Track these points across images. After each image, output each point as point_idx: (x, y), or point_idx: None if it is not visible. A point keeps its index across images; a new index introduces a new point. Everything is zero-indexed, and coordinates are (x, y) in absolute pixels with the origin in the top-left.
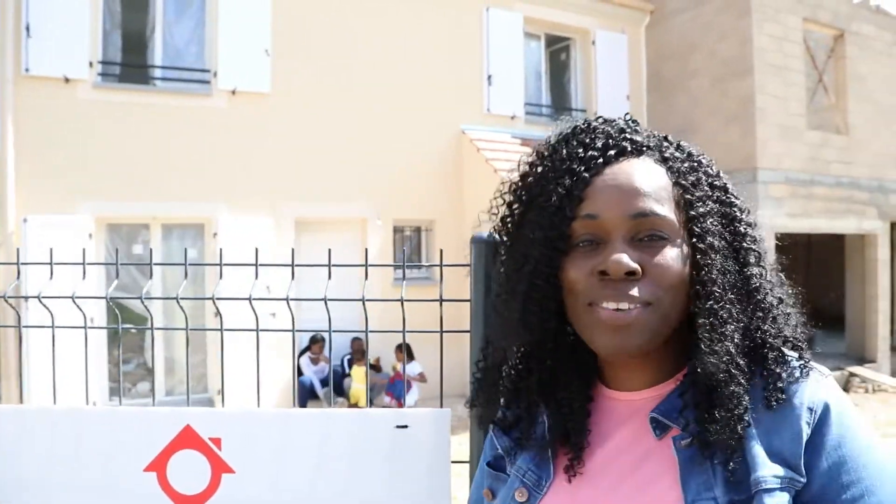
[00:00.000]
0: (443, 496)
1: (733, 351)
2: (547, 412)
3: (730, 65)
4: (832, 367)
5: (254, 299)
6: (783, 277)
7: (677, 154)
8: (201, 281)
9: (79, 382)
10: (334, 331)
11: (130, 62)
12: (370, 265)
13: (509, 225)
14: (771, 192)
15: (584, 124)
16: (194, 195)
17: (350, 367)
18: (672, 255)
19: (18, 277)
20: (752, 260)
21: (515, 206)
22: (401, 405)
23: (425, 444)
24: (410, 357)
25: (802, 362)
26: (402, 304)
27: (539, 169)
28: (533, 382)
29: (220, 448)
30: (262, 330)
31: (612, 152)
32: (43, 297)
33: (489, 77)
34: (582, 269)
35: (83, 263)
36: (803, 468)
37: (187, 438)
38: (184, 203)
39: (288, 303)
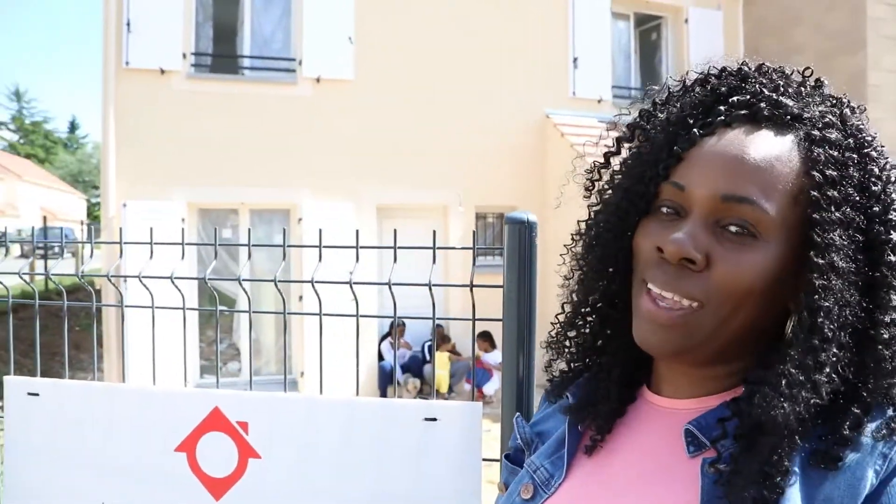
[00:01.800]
0: (472, 495)
1: (811, 404)
2: (585, 381)
3: (838, 38)
4: None
5: (355, 283)
6: None
7: (834, 136)
8: (287, 265)
9: (173, 361)
10: (400, 317)
11: (221, 53)
12: (399, 247)
13: (608, 166)
14: None
15: (737, 67)
16: (280, 181)
17: (431, 353)
18: (753, 259)
19: (121, 256)
20: (893, 303)
21: (627, 144)
22: (481, 393)
23: (455, 439)
24: (493, 346)
25: (891, 420)
26: (431, 289)
27: (665, 109)
28: (587, 339)
29: (247, 432)
30: (362, 316)
31: (740, 112)
32: (143, 277)
33: (575, 59)
34: (650, 238)
35: (182, 244)
36: None
37: (216, 421)
38: (270, 189)
39: (390, 288)
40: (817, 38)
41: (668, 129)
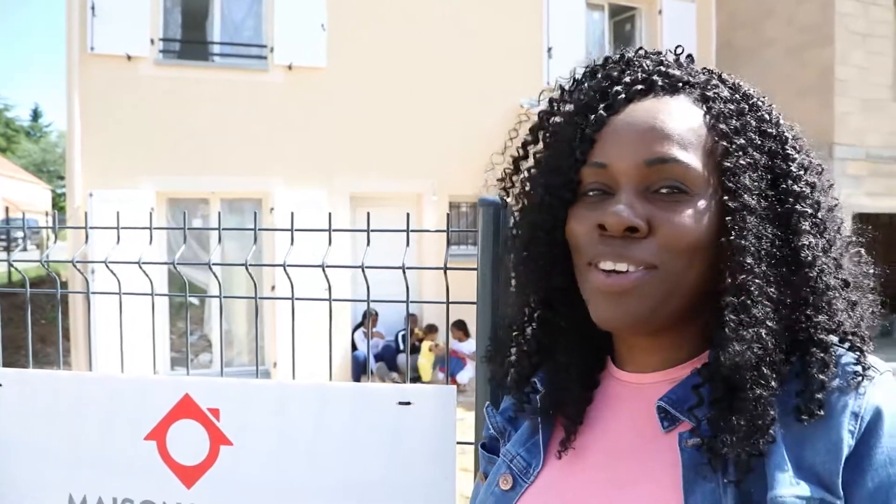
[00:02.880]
0: (447, 478)
1: (766, 340)
2: (544, 380)
3: (808, 32)
4: None
5: (327, 266)
6: (863, 254)
7: (725, 93)
8: (258, 254)
9: (142, 351)
10: (373, 300)
11: (190, 39)
12: (372, 230)
13: (524, 168)
14: (848, 170)
15: (618, 55)
16: (251, 170)
17: (405, 342)
18: (690, 213)
19: (87, 241)
20: (807, 228)
21: (532, 147)
22: (454, 382)
23: (429, 423)
24: (466, 334)
25: (858, 365)
26: (404, 272)
27: (562, 106)
28: (537, 344)
29: (218, 419)
30: (335, 300)
31: (638, 87)
32: (110, 262)
33: (549, 49)
34: (584, 221)
35: (150, 228)
36: (840, 488)
37: (186, 408)
38: (241, 178)
39: (363, 271)
40: (788, 31)
41: (574, 119)
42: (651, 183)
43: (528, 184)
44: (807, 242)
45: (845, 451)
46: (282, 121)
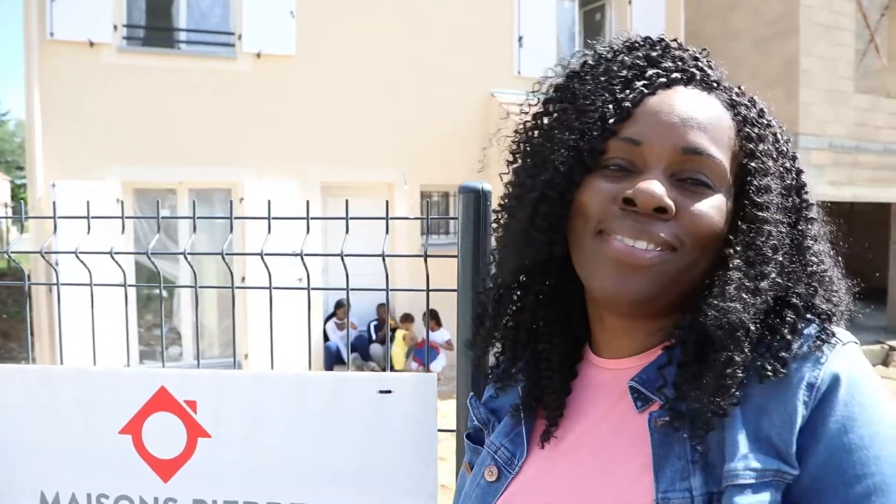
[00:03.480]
0: (428, 466)
1: (756, 312)
2: (524, 369)
3: (774, 24)
4: (872, 340)
5: (305, 255)
6: (837, 257)
7: (747, 103)
8: (229, 246)
9: (111, 345)
10: (352, 289)
11: (155, 25)
12: (351, 218)
13: (540, 124)
14: (812, 159)
15: (657, 38)
16: (220, 159)
17: (377, 332)
18: (713, 205)
19: (55, 232)
20: (812, 232)
21: (552, 105)
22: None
23: (410, 411)
24: (438, 324)
25: (821, 332)
26: (384, 259)
27: (591, 72)
28: (519, 329)
29: (195, 411)
30: (313, 288)
31: (677, 75)
32: (80, 253)
33: (520, 39)
34: (601, 193)
35: (122, 217)
36: (795, 457)
37: (162, 401)
38: (210, 167)
39: (342, 259)
40: (754, 23)
41: (609, 86)
42: (679, 171)
43: (547, 142)
44: (812, 246)
45: (799, 422)
46: (251, 110)
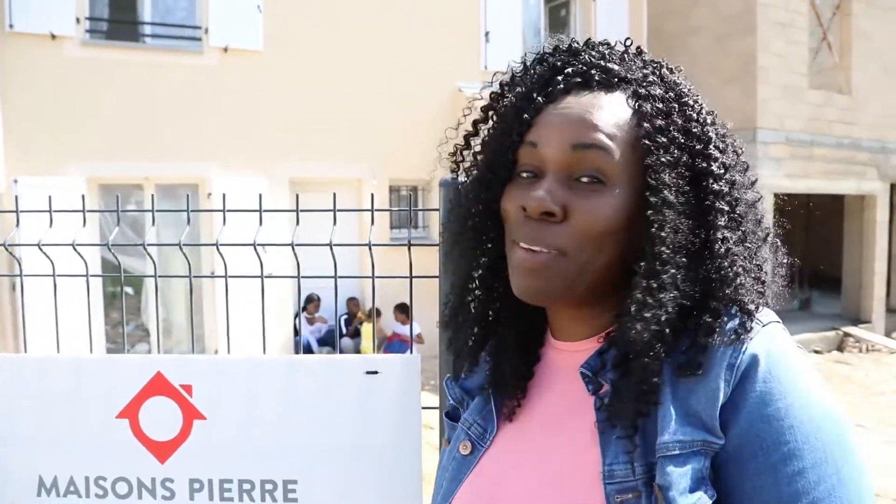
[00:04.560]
0: (413, 442)
1: (664, 322)
2: (490, 352)
3: (732, 22)
4: (827, 327)
5: (258, 245)
6: (779, 243)
7: (658, 92)
8: (196, 241)
9: (75, 338)
10: (304, 276)
11: (118, 18)
12: (340, 210)
13: (472, 145)
14: (770, 153)
15: (566, 45)
16: (187, 155)
17: (347, 326)
18: (605, 203)
19: (18, 225)
20: (722, 223)
21: (482, 125)
22: None
23: (395, 391)
24: (409, 317)
25: (741, 325)
26: (370, 249)
27: (510, 85)
28: (481, 314)
29: (191, 395)
30: (267, 276)
31: (576, 80)
32: (43, 245)
33: (486, 34)
34: (514, 201)
35: (83, 210)
36: (719, 429)
37: (158, 385)
38: (177, 163)
39: (293, 249)
40: (714, 20)
41: (517, 104)
42: (573, 171)
43: (474, 160)
44: (720, 236)
45: (721, 399)
46: (217, 105)
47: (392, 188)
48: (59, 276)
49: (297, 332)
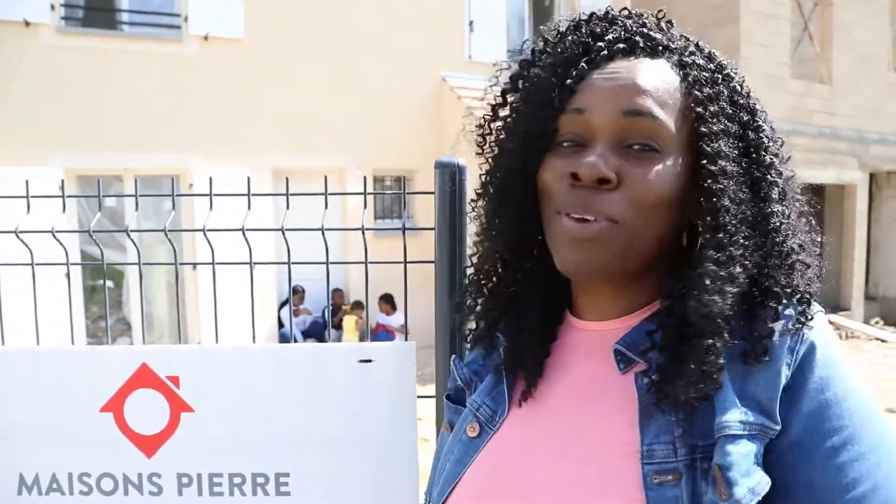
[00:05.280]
0: (408, 432)
1: (733, 297)
2: (506, 332)
3: (715, 11)
4: None
5: (247, 230)
6: (812, 222)
7: (701, 62)
8: (177, 236)
9: (54, 330)
10: (294, 262)
11: (95, 5)
12: (331, 193)
13: (501, 117)
14: None
15: (603, 12)
16: (168, 145)
17: (332, 318)
18: (659, 171)
19: None
20: (775, 196)
21: (512, 95)
22: None
23: (390, 379)
24: (394, 308)
25: (802, 315)
26: (363, 233)
27: (541, 58)
28: (501, 293)
29: (178, 386)
30: (256, 263)
31: (620, 46)
32: (21, 232)
33: (471, 23)
34: (557, 170)
35: (62, 196)
36: (778, 415)
37: (144, 377)
38: (157, 154)
39: (283, 234)
40: (697, 9)
41: (555, 70)
42: (625, 138)
43: (504, 132)
44: (776, 210)
45: (783, 382)
46: (198, 94)
47: (376, 178)
48: (37, 264)
49: (281, 325)
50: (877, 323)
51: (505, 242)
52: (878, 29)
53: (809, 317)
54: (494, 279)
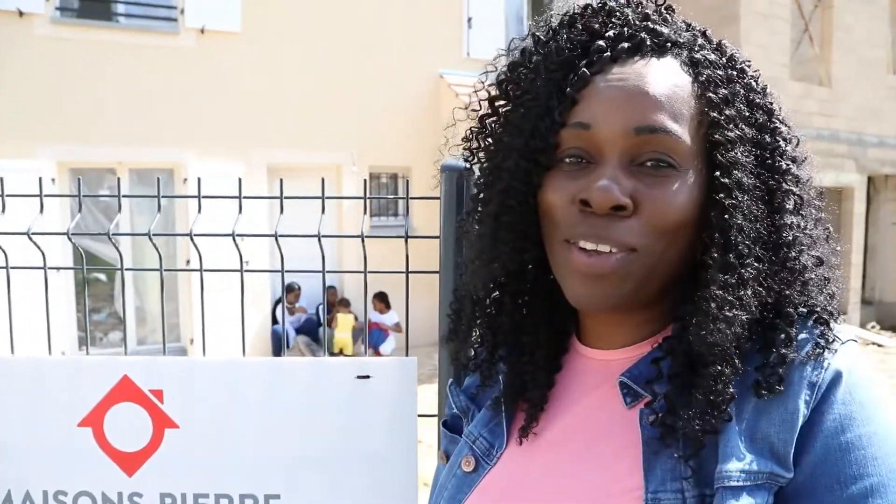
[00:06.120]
0: (408, 452)
1: (744, 323)
2: (506, 359)
3: (714, 12)
4: None
5: (237, 235)
6: (831, 231)
7: (712, 57)
8: (171, 228)
9: (41, 334)
10: (288, 270)
11: None
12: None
13: (491, 127)
14: None
15: (599, 3)
16: (162, 139)
17: (323, 315)
18: (677, 190)
19: None
20: (790, 206)
21: (501, 103)
22: (378, 354)
23: (390, 396)
24: (388, 306)
25: (822, 338)
26: (363, 241)
27: (533, 59)
28: (501, 321)
29: (161, 401)
30: (246, 270)
31: (624, 45)
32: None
33: (469, 20)
34: (562, 192)
35: (40, 195)
36: (792, 459)
37: (125, 390)
38: (151, 147)
39: (276, 240)
40: (696, 11)
41: (550, 75)
42: (637, 154)
43: (497, 146)
44: (789, 222)
45: (800, 421)
46: (194, 87)
47: (372, 175)
48: (13, 268)
49: (275, 321)
50: (873, 327)
51: (503, 267)
52: (878, 31)
53: (831, 339)
54: (492, 307)
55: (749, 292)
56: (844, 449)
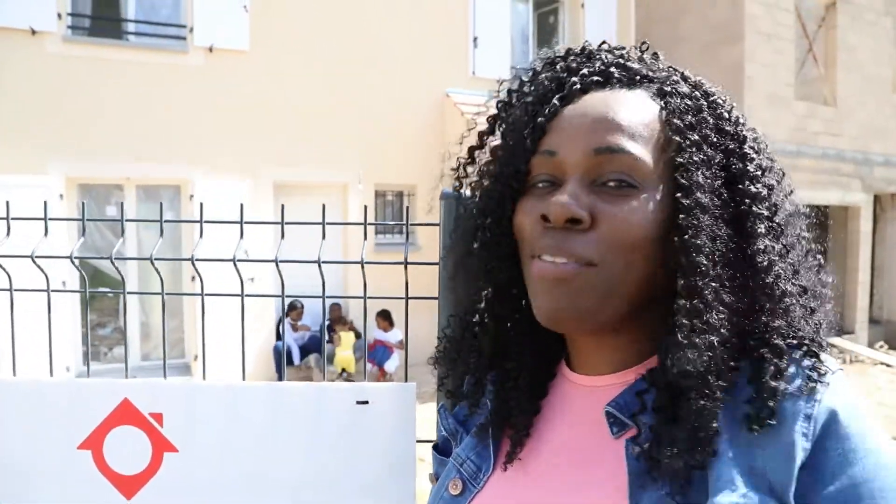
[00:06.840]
0: (407, 478)
1: (718, 348)
2: (491, 386)
3: (720, 31)
4: None
5: (238, 260)
6: (822, 261)
7: (684, 89)
8: (178, 245)
9: (45, 352)
10: (288, 295)
11: (102, 15)
12: (328, 223)
13: (478, 158)
14: None
15: (579, 48)
16: (170, 156)
17: (330, 332)
18: (635, 208)
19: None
20: (762, 230)
21: (487, 137)
22: (382, 371)
23: (389, 422)
24: (391, 324)
25: (814, 371)
26: (363, 267)
27: (516, 96)
28: (487, 345)
29: (161, 424)
30: (247, 295)
31: (594, 78)
32: (1, 257)
33: (475, 39)
34: (530, 212)
35: (45, 219)
36: (792, 496)
37: (125, 413)
38: (159, 164)
39: (277, 265)
40: (702, 29)
41: (528, 109)
42: (599, 175)
43: (480, 174)
44: (762, 246)
45: (800, 455)
46: (202, 105)
47: (378, 193)
48: (16, 290)
49: (279, 337)
50: (881, 347)
51: (484, 289)
52: (882, 50)
53: (823, 371)
54: (479, 332)
55: (715, 315)
56: (856, 484)
